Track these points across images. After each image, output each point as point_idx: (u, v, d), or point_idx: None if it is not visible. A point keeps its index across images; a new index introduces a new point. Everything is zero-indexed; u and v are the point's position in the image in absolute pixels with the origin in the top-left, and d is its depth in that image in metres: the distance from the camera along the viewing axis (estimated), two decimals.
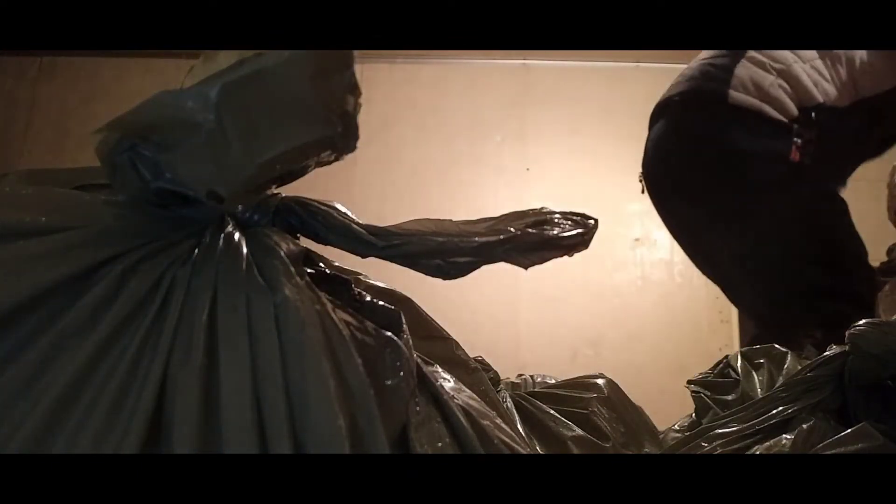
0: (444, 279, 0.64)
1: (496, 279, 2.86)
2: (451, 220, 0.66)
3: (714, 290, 1.67)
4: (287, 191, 0.64)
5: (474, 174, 3.16)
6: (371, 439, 0.47)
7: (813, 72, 1.36)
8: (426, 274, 0.64)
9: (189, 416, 0.44)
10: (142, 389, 0.45)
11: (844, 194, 1.41)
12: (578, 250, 0.70)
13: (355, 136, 0.58)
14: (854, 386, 0.82)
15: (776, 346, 1.01)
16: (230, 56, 0.53)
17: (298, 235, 0.63)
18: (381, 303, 0.63)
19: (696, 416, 1.04)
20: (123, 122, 0.54)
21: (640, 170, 1.60)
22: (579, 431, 0.92)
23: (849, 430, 0.73)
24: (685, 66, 1.54)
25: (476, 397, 0.64)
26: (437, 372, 0.65)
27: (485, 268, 0.65)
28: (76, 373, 0.45)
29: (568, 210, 0.71)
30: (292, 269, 0.53)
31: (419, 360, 0.60)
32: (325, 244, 0.64)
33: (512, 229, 0.65)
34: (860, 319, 0.84)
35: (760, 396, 0.90)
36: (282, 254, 0.54)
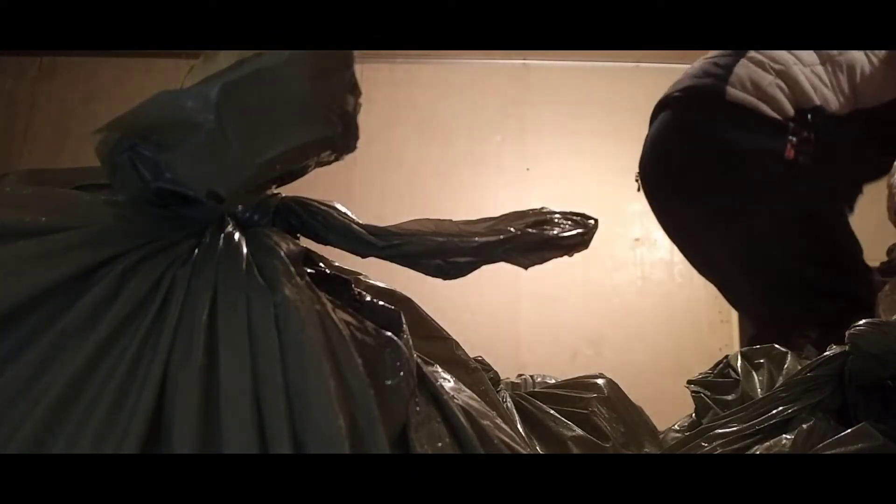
0: (444, 279, 0.64)
1: (496, 279, 2.86)
2: (451, 220, 0.66)
3: (714, 289, 1.67)
4: (287, 191, 0.64)
5: (474, 174, 3.16)
6: (371, 439, 0.47)
7: (813, 76, 1.36)
8: (426, 274, 0.64)
9: (189, 416, 0.44)
10: (142, 389, 0.45)
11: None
12: (578, 250, 0.70)
13: (355, 136, 0.59)
14: (854, 386, 0.82)
15: (776, 346, 1.01)
16: (230, 56, 0.53)
17: (298, 235, 0.63)
18: (381, 303, 0.63)
19: (696, 416, 1.04)
20: (123, 122, 0.54)
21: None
22: (579, 431, 0.92)
23: (849, 430, 0.73)
24: (685, 65, 1.54)
25: (476, 397, 0.64)
26: (437, 372, 0.65)
27: (485, 268, 0.65)
28: (76, 373, 0.45)
29: (568, 210, 0.71)
30: (292, 269, 0.53)
31: (419, 360, 0.60)
32: (325, 244, 0.64)
33: (512, 229, 0.65)
34: (859, 320, 0.84)
35: (760, 396, 0.90)
36: (282, 254, 0.54)
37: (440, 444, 0.55)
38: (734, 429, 0.83)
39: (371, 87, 3.03)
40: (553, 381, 1.09)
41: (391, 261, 0.63)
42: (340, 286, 0.62)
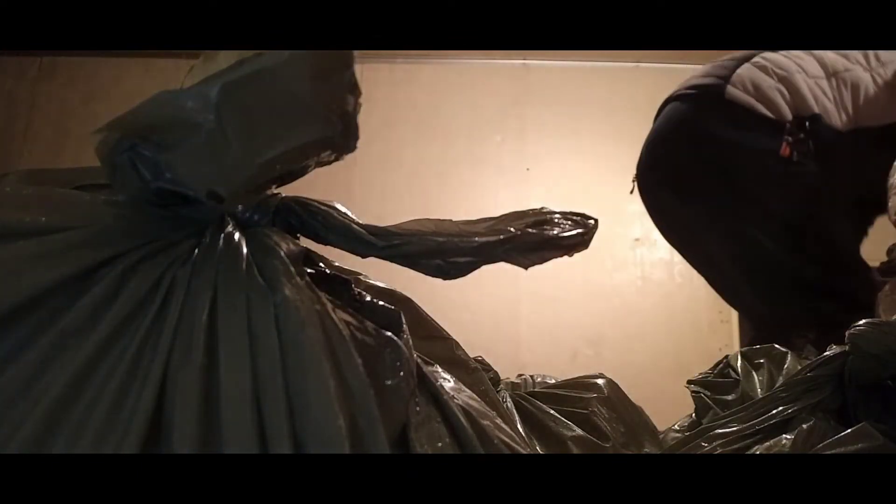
0: (444, 279, 0.64)
1: (496, 279, 2.86)
2: (451, 220, 0.66)
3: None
4: (287, 191, 0.64)
5: (474, 174, 3.16)
6: (371, 439, 0.47)
7: (816, 87, 1.37)
8: (426, 274, 0.64)
9: (189, 416, 0.44)
10: (142, 389, 0.45)
11: None
12: (578, 250, 0.70)
13: (355, 136, 0.59)
14: (854, 386, 0.82)
15: (776, 346, 1.01)
16: (230, 56, 0.53)
17: (298, 235, 0.63)
18: (381, 303, 0.63)
19: (696, 416, 1.04)
20: (123, 122, 0.54)
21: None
22: (579, 431, 0.92)
23: (849, 430, 0.73)
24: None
25: (476, 397, 0.64)
26: (437, 372, 0.65)
27: (485, 268, 0.65)
28: (76, 373, 0.45)
29: (568, 210, 0.71)
30: (292, 269, 0.53)
31: (419, 360, 0.60)
32: (325, 244, 0.64)
33: (512, 229, 0.65)
34: (859, 320, 0.84)
35: (760, 396, 0.90)
36: (282, 254, 0.54)
37: (440, 444, 0.55)
38: (734, 429, 0.83)
39: (371, 87, 3.03)
40: (553, 381, 1.09)
41: (391, 261, 0.63)
42: (340, 286, 0.62)
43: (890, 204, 1.23)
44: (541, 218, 0.69)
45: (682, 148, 1.48)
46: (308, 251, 0.61)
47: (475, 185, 3.13)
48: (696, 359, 2.58)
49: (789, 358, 0.98)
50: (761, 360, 1.00)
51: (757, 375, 0.98)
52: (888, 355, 0.79)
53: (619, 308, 2.96)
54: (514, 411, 0.93)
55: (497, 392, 0.92)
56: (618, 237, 3.00)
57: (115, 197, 0.58)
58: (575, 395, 1.00)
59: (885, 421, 0.76)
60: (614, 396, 1.02)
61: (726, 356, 1.08)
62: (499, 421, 0.63)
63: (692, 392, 1.06)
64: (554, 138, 3.20)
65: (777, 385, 0.89)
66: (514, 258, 0.66)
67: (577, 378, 1.07)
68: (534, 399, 0.98)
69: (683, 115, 1.47)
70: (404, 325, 0.60)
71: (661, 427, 1.06)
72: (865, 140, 1.36)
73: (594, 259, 2.96)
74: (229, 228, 0.56)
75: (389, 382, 0.54)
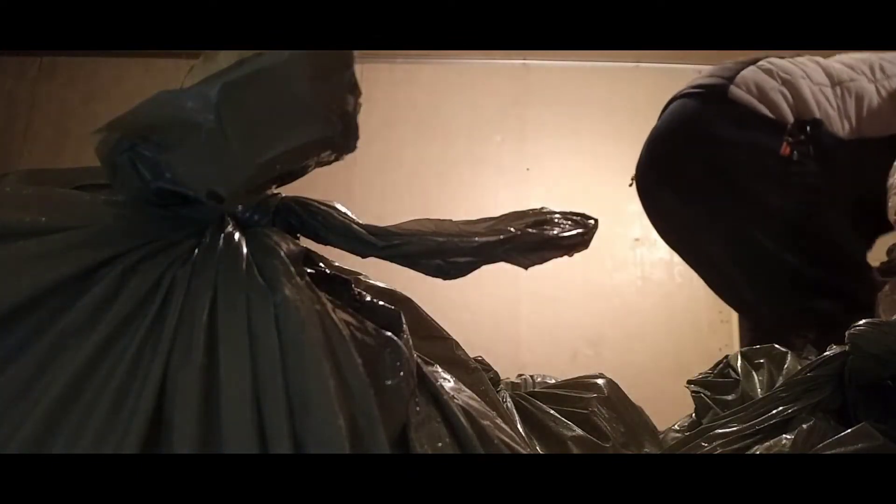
0: (444, 279, 0.64)
1: (496, 279, 2.85)
2: (451, 220, 0.66)
3: None
4: (287, 191, 0.64)
5: (474, 174, 3.16)
6: (371, 439, 0.47)
7: (819, 94, 1.37)
8: (426, 274, 0.64)
9: (189, 416, 0.44)
10: (142, 389, 0.45)
11: None
12: (578, 250, 0.70)
13: (355, 136, 0.59)
14: (854, 386, 0.82)
15: (776, 346, 1.01)
16: (230, 56, 0.53)
17: (298, 235, 0.63)
18: (381, 303, 0.63)
19: (696, 416, 1.04)
20: (123, 122, 0.54)
21: None
22: (579, 431, 0.92)
23: (849, 430, 0.73)
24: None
25: (476, 397, 0.64)
26: (437, 372, 0.65)
27: (485, 268, 0.65)
28: (76, 373, 0.45)
29: (568, 210, 0.71)
30: (292, 269, 0.53)
31: (419, 360, 0.60)
32: (325, 244, 0.64)
33: (512, 229, 0.65)
34: (858, 320, 0.84)
35: (760, 396, 0.90)
36: (282, 254, 0.54)
37: (440, 444, 0.55)
38: (734, 429, 0.83)
39: (371, 87, 3.02)
40: (553, 381, 1.09)
41: (391, 261, 0.63)
42: (340, 286, 0.62)
43: (890, 204, 1.23)
44: (541, 218, 0.69)
45: (683, 147, 1.48)
46: (308, 251, 0.61)
47: (475, 185, 3.13)
48: (696, 359, 2.58)
49: (789, 358, 0.98)
50: (761, 360, 1.00)
51: (757, 375, 0.98)
52: (888, 355, 0.79)
53: (619, 308, 2.96)
54: (514, 411, 0.93)
55: (497, 392, 0.92)
56: (618, 237, 3.00)
57: (115, 197, 0.58)
58: (575, 395, 1.00)
59: (885, 421, 0.76)
60: (614, 396, 1.02)
61: (726, 356, 1.08)
62: (499, 421, 0.63)
63: (692, 392, 1.06)
64: (554, 138, 3.20)
65: (777, 385, 0.89)
66: (514, 258, 0.66)
67: (577, 378, 1.07)
68: (534, 399, 0.98)
69: (685, 115, 1.48)
70: (404, 325, 0.60)
71: (661, 427, 1.06)
72: (867, 150, 1.36)
73: (594, 259, 2.96)
74: (229, 228, 0.56)
75: (389, 382, 0.54)
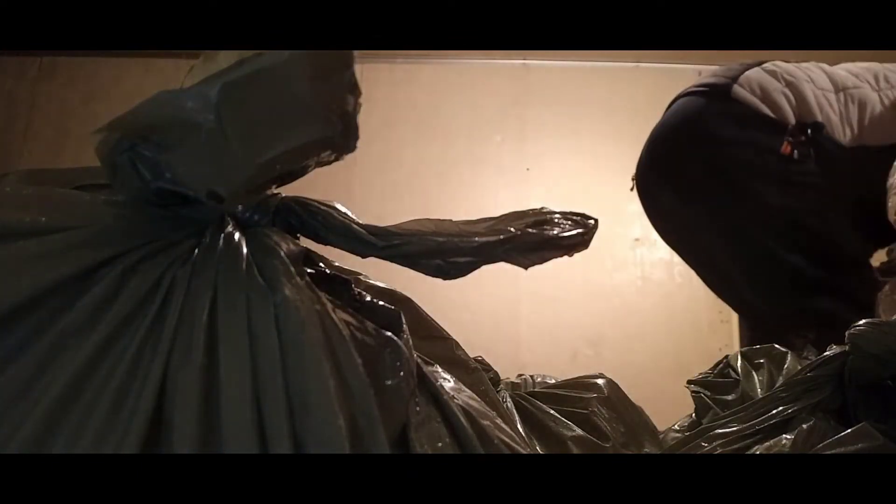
0: (444, 279, 0.64)
1: (496, 279, 2.86)
2: (451, 220, 0.66)
3: None
4: (287, 191, 0.64)
5: (474, 174, 3.16)
6: (371, 439, 0.47)
7: (822, 98, 1.38)
8: (426, 274, 0.64)
9: (189, 416, 0.44)
10: (142, 389, 0.45)
11: None
12: (578, 250, 0.70)
13: (355, 136, 0.58)
14: (854, 386, 0.82)
15: (776, 346, 1.01)
16: (230, 56, 0.53)
17: (298, 235, 0.63)
18: (381, 303, 0.63)
19: (696, 416, 1.04)
20: (123, 122, 0.53)
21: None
22: (579, 431, 0.92)
23: (849, 430, 0.73)
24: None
25: (476, 397, 0.64)
26: (437, 372, 0.65)
27: (485, 268, 0.65)
28: (76, 373, 0.45)
29: (568, 210, 0.71)
30: (292, 269, 0.53)
31: (419, 360, 0.60)
32: (325, 244, 0.64)
33: (512, 229, 0.65)
34: (857, 319, 0.84)
35: (760, 396, 0.90)
36: (282, 254, 0.54)
37: (440, 444, 0.55)
38: (734, 429, 0.83)
39: (371, 87, 3.02)
40: (553, 381, 1.09)
41: (391, 261, 0.63)
42: (340, 286, 0.62)
43: (890, 204, 1.24)
44: (541, 218, 0.69)
45: (683, 147, 1.49)
46: (308, 251, 0.61)
47: (475, 185, 3.13)
48: (696, 359, 2.58)
49: (789, 358, 0.97)
50: (761, 360, 1.00)
51: (757, 375, 0.98)
52: (888, 355, 0.79)
53: (619, 308, 2.96)
54: (514, 411, 0.93)
55: (497, 392, 0.92)
56: (618, 237, 3.00)
57: (115, 197, 0.58)
58: (575, 395, 1.00)
59: (885, 421, 0.76)
60: (614, 396, 1.02)
61: (726, 356, 1.08)
62: (499, 421, 0.63)
63: (692, 392, 1.06)
64: (554, 138, 3.20)
65: (777, 385, 0.89)
66: (514, 258, 0.66)
67: (577, 378, 1.07)
68: (534, 399, 0.98)
69: (686, 114, 1.48)
70: (404, 325, 0.60)
71: (661, 427, 1.06)
72: (867, 157, 1.36)
73: (594, 259, 2.96)
74: (229, 228, 0.56)
75: (389, 382, 0.54)
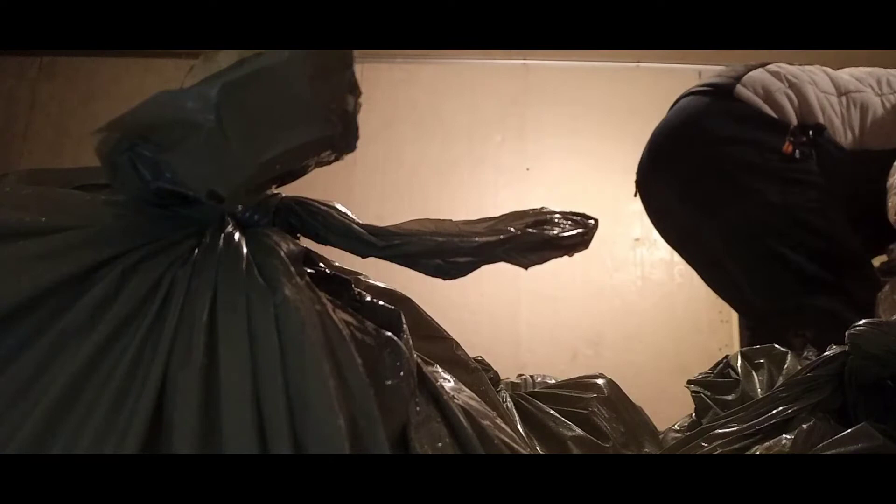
0: (444, 279, 0.64)
1: (496, 279, 2.86)
2: (451, 220, 0.66)
3: None
4: (287, 191, 0.64)
5: (474, 174, 3.16)
6: (371, 439, 0.47)
7: (825, 101, 1.38)
8: (426, 274, 0.64)
9: (189, 416, 0.44)
10: (142, 389, 0.45)
11: None
12: (578, 250, 0.70)
13: (355, 136, 0.58)
14: (854, 386, 0.82)
15: (776, 346, 1.01)
16: (230, 56, 0.53)
17: (298, 235, 0.63)
18: (381, 303, 0.63)
19: (696, 416, 1.04)
20: (123, 122, 0.53)
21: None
22: (579, 431, 0.92)
23: (849, 430, 0.73)
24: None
25: (476, 397, 0.64)
26: (437, 372, 0.65)
27: (485, 268, 0.65)
28: (76, 373, 0.45)
29: (568, 210, 0.71)
30: (292, 269, 0.53)
31: (419, 360, 0.60)
32: (325, 244, 0.64)
33: (512, 229, 0.65)
34: (857, 319, 0.84)
35: (760, 396, 0.90)
36: (282, 254, 0.54)
37: (440, 444, 0.55)
38: (734, 429, 0.83)
39: (371, 87, 3.03)
40: (553, 381, 1.09)
41: (391, 261, 0.63)
42: (340, 286, 0.62)
43: (889, 204, 1.24)
44: (541, 218, 0.68)
45: (684, 146, 1.49)
46: (308, 251, 0.61)
47: (475, 185, 3.14)
48: (696, 359, 2.58)
49: (789, 358, 0.97)
50: (761, 360, 1.00)
51: (757, 375, 0.98)
52: (888, 355, 0.79)
53: (619, 308, 2.96)
54: (514, 411, 0.93)
55: (497, 392, 0.92)
56: (618, 237, 3.01)
57: (115, 197, 0.58)
58: (575, 395, 1.00)
59: (885, 421, 0.76)
60: (614, 396, 1.02)
61: (726, 356, 1.08)
62: (499, 421, 0.63)
63: (692, 392, 1.06)
64: (554, 138, 3.20)
65: (777, 385, 0.89)
66: (514, 258, 0.66)
67: (577, 378, 1.07)
68: (534, 399, 0.98)
69: (687, 113, 1.48)
70: (404, 325, 0.60)
71: (661, 427, 1.06)
72: (869, 161, 1.36)
73: (594, 259, 2.96)
74: (229, 228, 0.56)
75: (389, 382, 0.54)
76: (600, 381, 1.04)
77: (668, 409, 1.15)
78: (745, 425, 0.83)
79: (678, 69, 2.99)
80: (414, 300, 0.73)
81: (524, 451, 0.62)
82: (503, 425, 0.62)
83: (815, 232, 1.37)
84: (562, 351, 2.86)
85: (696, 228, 1.53)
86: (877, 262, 1.42)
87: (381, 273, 0.68)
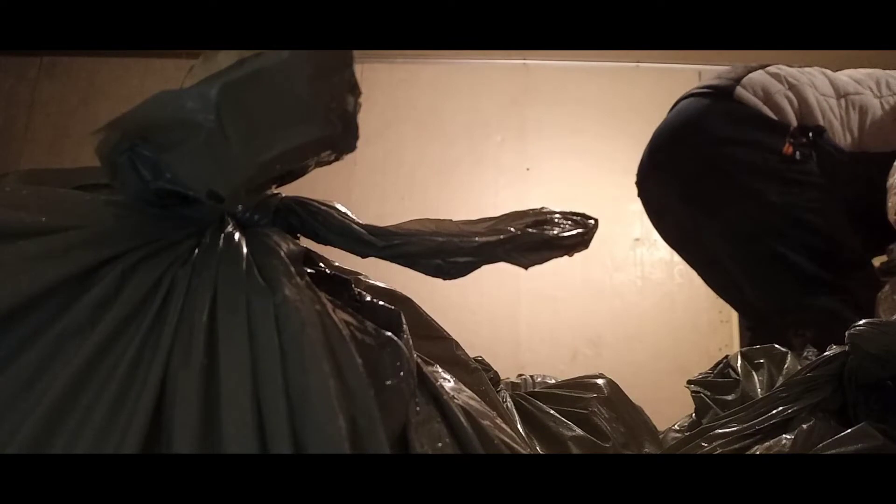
0: (444, 279, 0.64)
1: (496, 279, 2.86)
2: (451, 220, 0.66)
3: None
4: (287, 191, 0.64)
5: (474, 174, 3.16)
6: (371, 439, 0.47)
7: (825, 103, 1.38)
8: (426, 274, 0.64)
9: (189, 416, 0.44)
10: (142, 390, 0.45)
11: None
12: (578, 250, 0.70)
13: (355, 136, 0.58)
14: (854, 386, 0.82)
15: (776, 346, 1.01)
16: (230, 56, 0.53)
17: (298, 235, 0.63)
18: (381, 303, 0.63)
19: (696, 416, 1.04)
20: (123, 122, 0.53)
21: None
22: (579, 431, 0.92)
23: (849, 430, 0.73)
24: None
25: (476, 397, 0.64)
26: (437, 372, 0.65)
27: (485, 268, 0.65)
28: (76, 373, 0.45)
29: (568, 210, 0.71)
30: (292, 269, 0.53)
31: (419, 360, 0.60)
32: (325, 244, 0.64)
33: (512, 229, 0.65)
34: (857, 319, 0.84)
35: (760, 396, 0.90)
36: (282, 254, 0.54)
37: (440, 444, 0.55)
38: (734, 429, 0.83)
39: (371, 87, 3.03)
40: (553, 381, 1.09)
41: (391, 261, 0.63)
42: (340, 286, 0.62)
43: (890, 204, 1.24)
44: (541, 218, 0.68)
45: (684, 146, 1.49)
46: (308, 251, 0.61)
47: (475, 185, 3.14)
48: (696, 359, 2.59)
49: (789, 358, 0.98)
50: (761, 360, 1.00)
51: (757, 375, 0.98)
52: (888, 355, 0.79)
53: (619, 308, 2.96)
54: (514, 411, 0.93)
55: (497, 392, 0.91)
56: (618, 237, 3.01)
57: (115, 197, 0.58)
58: (575, 395, 1.00)
59: (885, 421, 0.76)
60: (614, 396, 1.02)
61: (726, 356, 1.08)
62: (499, 421, 0.63)
63: (692, 392, 1.06)
64: (554, 138, 3.20)
65: (777, 385, 0.89)
66: (514, 258, 0.66)
67: (577, 378, 1.07)
68: (534, 399, 0.98)
69: (687, 114, 1.48)
70: (404, 325, 0.60)
71: (661, 427, 1.06)
72: (868, 162, 1.37)
73: (594, 259, 2.96)
74: (229, 228, 0.56)
75: (389, 382, 0.54)
76: (600, 381, 1.04)
77: (668, 409, 1.15)
78: (745, 425, 0.83)
79: (678, 69, 2.99)
80: (414, 300, 0.73)
81: (524, 451, 0.62)
82: (503, 425, 0.62)
83: (815, 232, 1.37)
84: (562, 351, 2.86)
85: (696, 229, 1.53)
86: (877, 262, 1.42)
87: (381, 273, 0.68)
